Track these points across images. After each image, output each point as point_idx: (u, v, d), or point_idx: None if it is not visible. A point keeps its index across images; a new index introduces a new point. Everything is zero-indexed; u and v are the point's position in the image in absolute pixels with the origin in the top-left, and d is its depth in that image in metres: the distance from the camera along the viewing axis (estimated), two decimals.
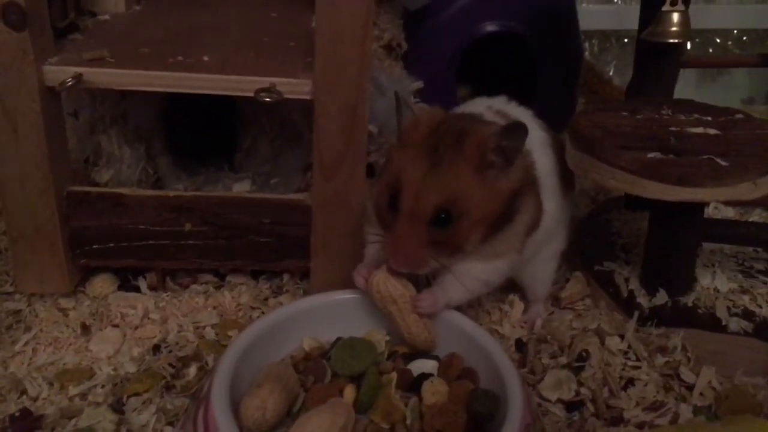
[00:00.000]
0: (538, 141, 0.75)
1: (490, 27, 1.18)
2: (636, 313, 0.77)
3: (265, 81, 0.73)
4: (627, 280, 0.84)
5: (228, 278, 0.87)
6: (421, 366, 0.68)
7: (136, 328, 0.80)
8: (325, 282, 0.81)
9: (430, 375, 0.67)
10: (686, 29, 0.84)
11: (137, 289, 0.85)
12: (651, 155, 0.69)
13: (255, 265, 0.84)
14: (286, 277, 0.87)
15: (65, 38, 0.81)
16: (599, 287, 0.85)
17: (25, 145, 0.73)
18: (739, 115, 0.80)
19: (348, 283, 0.77)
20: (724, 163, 0.67)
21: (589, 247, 0.91)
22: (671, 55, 0.89)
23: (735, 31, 1.64)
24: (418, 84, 1.04)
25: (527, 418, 0.59)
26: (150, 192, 0.80)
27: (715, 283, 0.81)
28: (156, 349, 0.76)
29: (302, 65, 0.78)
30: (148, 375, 0.72)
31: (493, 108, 0.77)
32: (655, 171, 0.67)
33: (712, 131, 0.73)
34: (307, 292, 0.84)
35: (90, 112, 0.88)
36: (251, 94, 0.73)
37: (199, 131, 0.99)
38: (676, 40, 0.85)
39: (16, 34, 0.68)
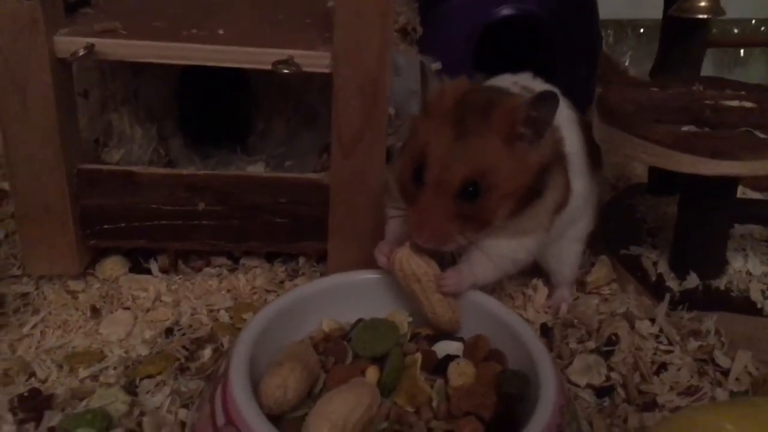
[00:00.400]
0: (566, 118, 0.73)
1: (506, 10, 1.16)
2: (667, 296, 0.74)
3: (283, 53, 0.71)
4: (655, 263, 0.81)
5: (242, 261, 0.84)
6: (445, 348, 0.65)
7: (148, 310, 0.77)
8: (342, 264, 0.79)
9: (455, 357, 0.64)
10: (716, 4, 0.81)
11: (148, 272, 0.83)
12: (685, 128, 0.66)
13: (270, 247, 0.81)
14: (301, 260, 0.84)
15: (76, 12, 0.78)
16: (626, 271, 0.82)
17: (35, 120, 0.70)
18: None
19: (367, 265, 0.74)
20: (762, 136, 0.64)
21: (613, 231, 0.88)
22: (699, 31, 0.86)
23: (753, 21, 1.61)
24: (437, 65, 1.02)
25: (561, 399, 0.56)
26: (163, 170, 0.78)
27: (747, 266, 0.78)
28: (169, 331, 0.74)
29: (321, 39, 0.75)
30: (161, 357, 0.69)
31: (518, 84, 0.74)
32: (690, 144, 0.64)
33: (748, 104, 0.70)
34: (323, 275, 0.81)
35: (101, 91, 0.86)
36: (268, 67, 0.70)
37: (212, 112, 0.96)
38: (706, 16, 0.82)
39: (27, 2, 0.66)
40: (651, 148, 0.66)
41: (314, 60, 0.71)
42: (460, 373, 0.61)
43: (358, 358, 0.64)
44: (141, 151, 0.86)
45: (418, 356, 0.63)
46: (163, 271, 0.83)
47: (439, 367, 0.63)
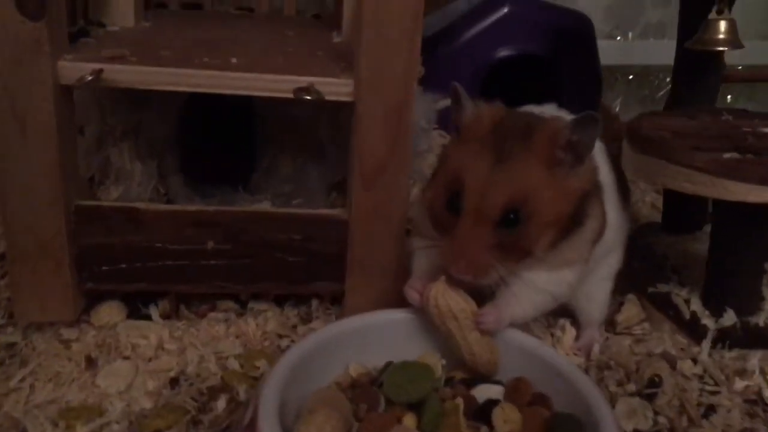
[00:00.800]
0: (597, 148, 0.70)
1: (507, 51, 1.14)
2: (710, 334, 0.70)
3: (304, 80, 0.67)
4: (687, 301, 0.77)
5: (250, 305, 0.79)
6: (485, 392, 0.60)
7: (150, 359, 0.71)
8: (360, 305, 0.74)
9: (497, 401, 0.59)
10: (735, 37, 0.80)
11: (148, 318, 0.76)
12: (727, 155, 0.64)
13: (282, 288, 0.76)
14: (314, 302, 0.79)
15: (77, 42, 0.74)
16: (657, 310, 0.78)
17: (34, 150, 0.65)
18: None
19: (387, 306, 0.70)
20: None
21: (637, 269, 0.85)
22: (715, 64, 0.85)
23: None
24: (445, 102, 0.99)
25: None
26: (168, 206, 0.73)
27: None
28: (174, 382, 0.67)
29: (338, 68, 0.72)
30: (170, 410, 0.63)
31: (545, 114, 0.72)
32: (736, 171, 0.62)
33: None
34: (338, 318, 0.76)
35: (98, 126, 0.81)
36: (289, 95, 0.66)
37: (214, 149, 0.92)
38: (725, 48, 0.81)
39: (32, 23, 0.61)
40: (695, 176, 0.63)
41: (336, 87, 0.68)
42: (506, 419, 0.56)
43: (391, 405, 0.58)
44: (141, 189, 0.81)
45: (460, 401, 0.57)
46: (165, 316, 0.77)
47: (480, 413, 0.57)
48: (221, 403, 0.63)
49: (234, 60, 0.71)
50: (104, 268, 0.71)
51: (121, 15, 0.88)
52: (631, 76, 1.66)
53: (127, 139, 0.80)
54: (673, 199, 0.94)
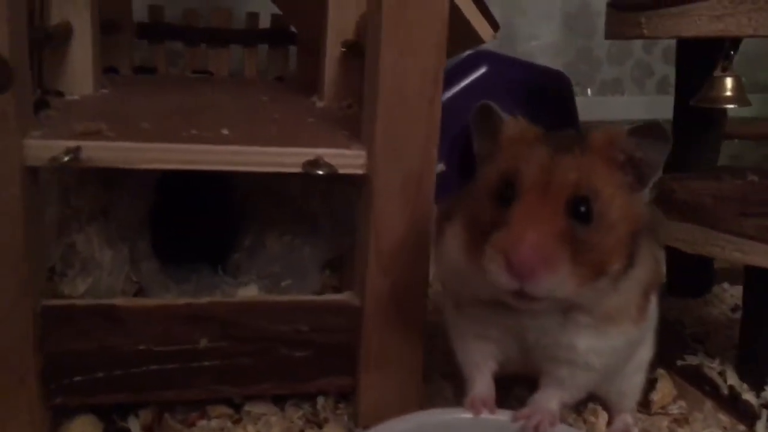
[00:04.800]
0: None
1: None
2: (765, 414, 0.65)
3: (311, 153, 0.59)
4: (721, 374, 0.72)
5: (246, 407, 0.68)
6: None
7: None
8: (377, 403, 0.65)
9: None
10: (742, 94, 0.78)
11: None
12: None
13: (286, 388, 0.66)
14: (320, 400, 0.69)
15: (37, 114, 0.64)
16: (691, 385, 0.72)
17: None
18: None
19: (407, 403, 0.62)
20: None
21: (658, 341, 0.79)
22: (719, 121, 0.83)
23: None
24: (441, 167, 0.93)
25: None
26: (153, 301, 0.63)
27: None
28: None
29: (344, 136, 0.65)
30: None
31: None
32: None
33: None
34: (353, 418, 0.67)
35: (59, 209, 0.70)
36: (298, 169, 0.59)
37: (189, 228, 0.82)
38: (733, 105, 0.78)
39: None
40: (747, 245, 0.58)
41: (348, 159, 0.60)
42: None
43: None
44: (112, 279, 0.71)
45: None
46: (147, 429, 0.65)
47: None
48: None
49: (225, 132, 0.63)
50: (77, 379, 0.60)
51: (79, 82, 0.79)
52: None
53: (94, 222, 0.70)
54: (679, 262, 0.89)
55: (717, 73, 0.79)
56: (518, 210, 0.47)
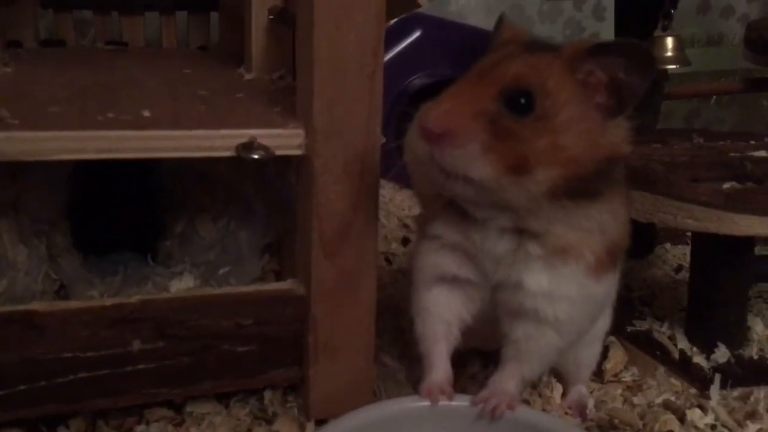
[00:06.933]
0: None
1: (424, 79, 1.07)
2: (718, 378, 0.64)
3: (244, 134, 0.55)
4: (671, 338, 0.72)
5: (188, 408, 0.64)
6: None
7: None
8: (329, 393, 0.62)
9: None
10: (682, 54, 0.77)
11: None
12: (727, 185, 0.58)
13: (230, 386, 0.62)
14: (267, 394, 0.65)
15: None
16: (642, 351, 0.72)
17: None
18: None
19: (360, 393, 0.59)
20: None
21: None
22: (661, 83, 0.82)
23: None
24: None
25: None
26: (77, 304, 0.57)
27: None
28: None
29: (278, 114, 0.60)
30: None
31: None
32: (743, 203, 0.56)
33: None
34: (303, 411, 0.63)
35: None
36: (231, 153, 0.54)
37: (111, 216, 0.76)
38: (674, 66, 0.77)
39: None
40: (698, 211, 0.57)
41: (285, 140, 0.56)
42: None
43: None
44: (29, 279, 0.64)
45: None
46: None
47: None
48: None
49: (146, 113, 0.57)
50: None
51: None
52: None
53: (4, 217, 0.63)
54: None
55: (657, 32, 0.77)
56: (450, 88, 0.49)
